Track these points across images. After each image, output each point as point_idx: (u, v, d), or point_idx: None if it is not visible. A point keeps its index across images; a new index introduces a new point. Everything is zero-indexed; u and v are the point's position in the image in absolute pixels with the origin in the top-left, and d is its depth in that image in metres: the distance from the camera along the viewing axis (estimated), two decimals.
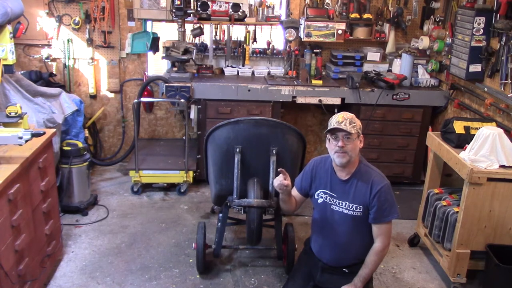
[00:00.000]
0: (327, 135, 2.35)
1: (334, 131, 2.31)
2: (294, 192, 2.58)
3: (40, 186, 2.73)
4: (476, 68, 3.58)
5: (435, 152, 3.30)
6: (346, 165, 2.35)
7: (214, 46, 4.47)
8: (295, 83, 4.23)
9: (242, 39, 4.56)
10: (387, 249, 2.41)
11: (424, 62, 4.45)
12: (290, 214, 3.90)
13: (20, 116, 2.62)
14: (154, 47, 4.38)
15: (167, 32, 4.64)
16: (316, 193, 2.49)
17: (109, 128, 4.79)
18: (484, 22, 3.44)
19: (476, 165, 2.77)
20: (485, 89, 3.54)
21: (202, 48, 4.52)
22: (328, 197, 2.44)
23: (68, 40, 4.42)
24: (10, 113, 2.59)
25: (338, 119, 2.31)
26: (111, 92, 4.66)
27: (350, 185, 2.38)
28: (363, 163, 2.42)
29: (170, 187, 4.29)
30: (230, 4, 4.33)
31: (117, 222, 3.72)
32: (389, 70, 4.55)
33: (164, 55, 4.19)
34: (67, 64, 4.48)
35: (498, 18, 3.33)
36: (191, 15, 4.27)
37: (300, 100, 4.17)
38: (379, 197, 2.31)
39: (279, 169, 2.41)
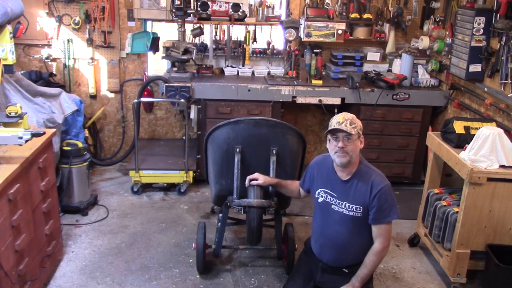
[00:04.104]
0: (328, 136, 2.35)
1: (335, 132, 2.31)
2: (301, 190, 2.70)
3: (40, 186, 2.73)
4: (476, 68, 3.58)
5: (435, 152, 3.30)
6: (347, 166, 2.35)
7: (214, 46, 4.47)
8: (295, 83, 4.22)
9: (242, 39, 4.56)
10: (387, 250, 2.40)
11: (424, 62, 4.44)
12: (291, 214, 3.91)
13: (20, 116, 2.62)
14: (154, 47, 4.38)
15: (167, 32, 4.64)
16: (317, 191, 2.49)
17: (109, 128, 4.78)
18: (484, 22, 3.44)
19: (476, 165, 2.77)
20: (485, 89, 3.54)
21: (202, 48, 4.52)
22: (329, 197, 2.44)
23: (68, 40, 4.42)
24: (10, 113, 2.59)
25: (338, 120, 2.31)
26: (111, 92, 4.66)
27: (350, 186, 2.38)
28: (363, 163, 2.42)
29: (170, 187, 4.29)
30: (230, 4, 4.33)
31: (117, 222, 3.72)
32: (389, 70, 4.55)
33: (164, 55, 4.19)
34: (67, 64, 4.47)
35: (498, 18, 3.33)
36: (191, 15, 4.27)
37: (300, 100, 4.17)
38: (379, 198, 2.31)
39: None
